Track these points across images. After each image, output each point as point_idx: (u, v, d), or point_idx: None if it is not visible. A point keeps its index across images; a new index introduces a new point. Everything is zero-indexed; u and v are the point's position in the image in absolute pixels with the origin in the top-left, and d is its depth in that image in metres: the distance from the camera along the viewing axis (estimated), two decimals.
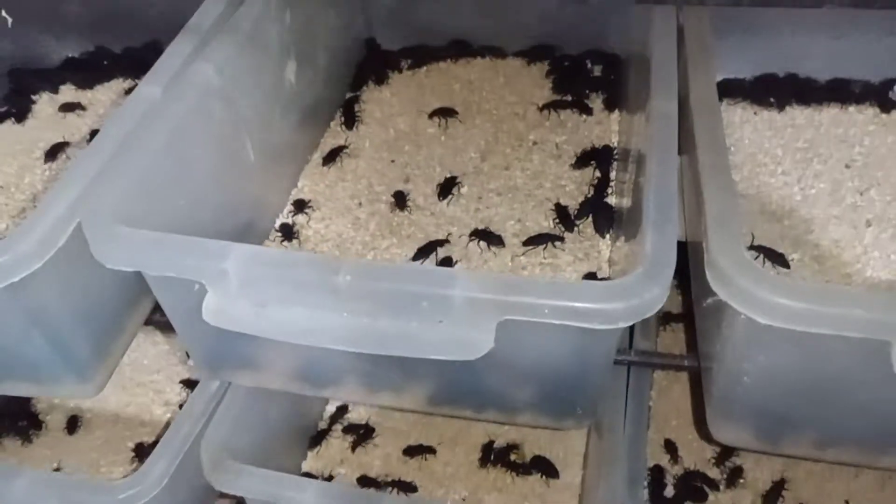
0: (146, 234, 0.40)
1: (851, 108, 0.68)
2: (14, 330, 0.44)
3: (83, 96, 0.77)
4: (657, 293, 0.35)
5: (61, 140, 0.69)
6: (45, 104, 0.77)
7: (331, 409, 0.76)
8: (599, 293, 0.35)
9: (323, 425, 0.74)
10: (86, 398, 0.51)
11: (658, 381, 0.75)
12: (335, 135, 0.71)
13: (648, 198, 0.41)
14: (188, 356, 0.80)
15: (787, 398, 0.40)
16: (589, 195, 0.60)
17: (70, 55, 0.84)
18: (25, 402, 0.77)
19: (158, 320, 0.56)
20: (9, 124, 0.75)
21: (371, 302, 0.37)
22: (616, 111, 0.70)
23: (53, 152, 0.67)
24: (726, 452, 0.67)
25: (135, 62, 0.79)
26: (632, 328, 0.58)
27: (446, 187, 0.61)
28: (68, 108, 0.74)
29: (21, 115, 0.75)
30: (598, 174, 0.62)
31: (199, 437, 0.58)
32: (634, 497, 0.52)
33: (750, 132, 0.67)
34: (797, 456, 0.43)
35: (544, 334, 0.38)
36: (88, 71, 0.81)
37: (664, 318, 0.79)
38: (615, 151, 0.65)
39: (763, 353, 0.38)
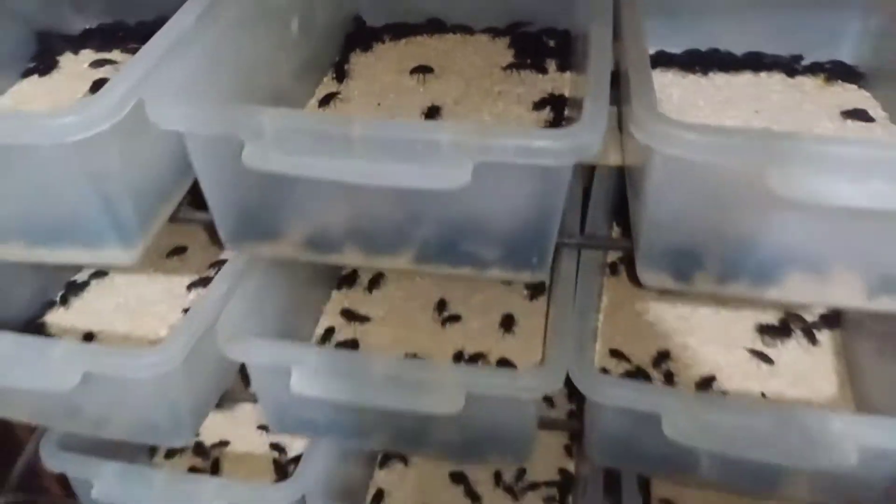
0: (196, 100, 0.51)
1: (763, 75, 0.82)
2: (75, 191, 0.54)
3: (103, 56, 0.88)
4: (593, 137, 0.47)
5: (102, 77, 0.79)
6: (68, 63, 0.87)
7: (319, 331, 0.86)
8: (550, 135, 0.47)
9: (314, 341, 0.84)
10: (125, 265, 0.59)
11: (605, 307, 0.86)
12: (328, 87, 0.82)
13: (587, 91, 0.53)
14: (188, 289, 0.90)
15: (693, 235, 0.52)
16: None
17: (88, 26, 0.95)
18: (40, 326, 0.86)
19: (182, 217, 0.67)
20: (35, 78, 0.85)
21: (378, 147, 0.48)
22: (568, 72, 0.83)
23: (96, 88, 0.77)
24: (662, 357, 0.79)
25: (148, 33, 0.90)
26: (583, 224, 0.70)
27: (431, 113, 0.73)
28: (99, 63, 0.84)
29: (47, 70, 0.85)
30: (552, 113, 0.75)
31: (214, 325, 0.68)
32: (582, 360, 0.64)
33: (678, 91, 0.80)
34: (706, 292, 0.55)
35: (510, 178, 0.50)
36: (105, 39, 0.91)
37: (612, 267, 0.91)
38: (567, 99, 0.77)
39: (674, 192, 0.50)
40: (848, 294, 0.54)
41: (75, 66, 0.86)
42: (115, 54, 0.88)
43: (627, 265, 0.92)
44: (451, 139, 0.47)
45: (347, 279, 0.94)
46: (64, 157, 0.52)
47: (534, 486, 1.02)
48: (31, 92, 0.82)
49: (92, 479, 0.84)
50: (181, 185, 0.63)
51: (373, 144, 0.48)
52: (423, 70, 0.82)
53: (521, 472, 1.03)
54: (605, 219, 0.78)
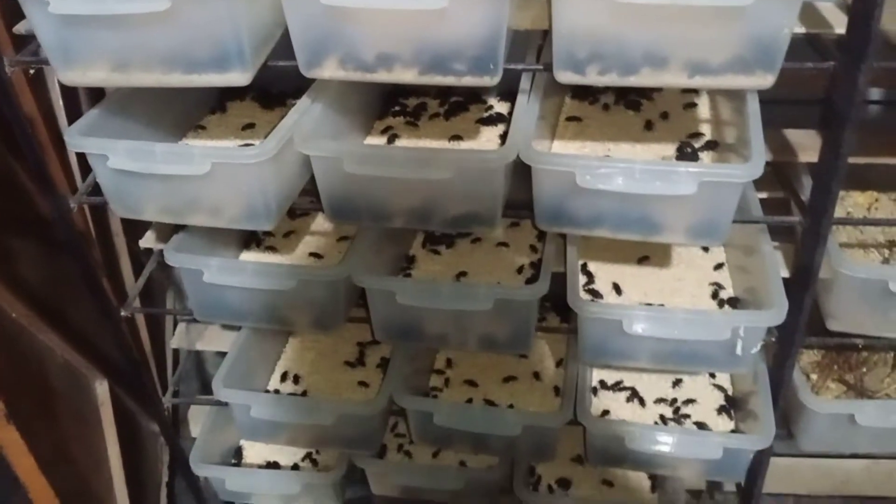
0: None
1: None
2: (219, 32, 0.91)
3: None
4: None
5: None
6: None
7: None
8: None
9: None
10: (242, 84, 0.96)
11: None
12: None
13: None
14: None
15: (581, 43, 0.88)
16: None
17: None
18: None
19: (270, 64, 1.03)
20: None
21: None
22: None
23: None
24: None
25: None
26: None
27: None
28: None
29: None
30: None
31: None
32: (526, 143, 1.01)
33: None
34: (593, 83, 0.91)
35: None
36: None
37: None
38: None
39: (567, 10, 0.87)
40: (677, 78, 0.90)
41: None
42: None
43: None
44: None
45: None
46: None
47: None
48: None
49: (202, 268, 1.22)
50: (277, 32, 1.00)
51: None
52: None
53: None
54: None
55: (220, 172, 1.03)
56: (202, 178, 1.04)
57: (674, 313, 1.12)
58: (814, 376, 1.48)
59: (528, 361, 1.51)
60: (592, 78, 0.92)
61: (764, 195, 1.35)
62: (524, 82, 1.11)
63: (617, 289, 1.28)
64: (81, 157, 1.48)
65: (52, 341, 1.47)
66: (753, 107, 1.03)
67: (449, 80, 0.95)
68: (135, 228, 1.53)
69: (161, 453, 1.95)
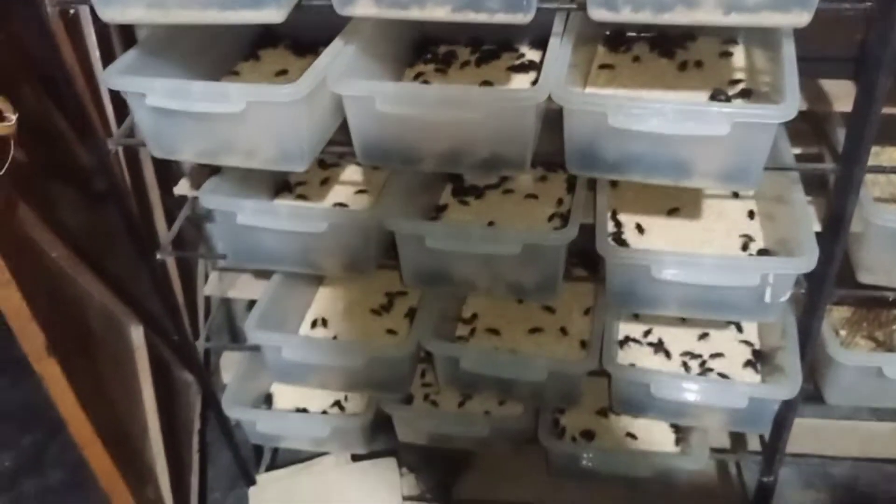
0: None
1: None
2: None
3: None
4: None
5: None
6: None
7: None
8: None
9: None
10: (277, 21, 0.98)
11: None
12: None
13: None
14: None
15: None
16: None
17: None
18: None
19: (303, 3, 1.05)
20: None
21: None
22: None
23: None
24: None
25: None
26: None
27: None
28: None
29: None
30: None
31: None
32: (561, 84, 1.01)
33: None
34: (627, 21, 0.91)
35: None
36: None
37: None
38: None
39: None
40: (711, 15, 0.90)
41: None
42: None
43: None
44: None
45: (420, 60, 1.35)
46: None
47: None
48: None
49: (236, 210, 1.25)
50: None
51: None
52: None
53: None
54: None
55: (254, 111, 1.05)
56: (237, 117, 1.05)
57: (703, 258, 1.12)
58: (843, 332, 1.47)
59: (554, 315, 1.52)
60: (626, 15, 0.92)
61: (798, 150, 1.34)
62: (557, 26, 1.11)
63: (644, 234, 1.28)
64: (117, 106, 1.52)
65: (90, 284, 1.52)
66: (789, 51, 1.02)
67: (482, 18, 0.95)
68: (168, 181, 1.56)
69: (193, 402, 2.00)
